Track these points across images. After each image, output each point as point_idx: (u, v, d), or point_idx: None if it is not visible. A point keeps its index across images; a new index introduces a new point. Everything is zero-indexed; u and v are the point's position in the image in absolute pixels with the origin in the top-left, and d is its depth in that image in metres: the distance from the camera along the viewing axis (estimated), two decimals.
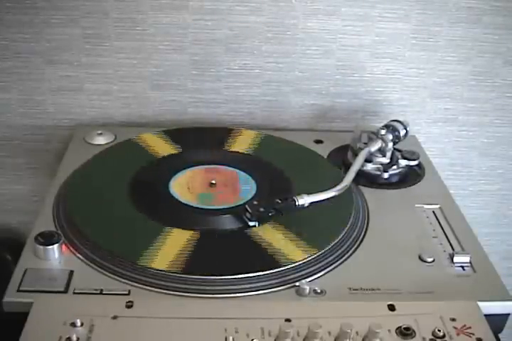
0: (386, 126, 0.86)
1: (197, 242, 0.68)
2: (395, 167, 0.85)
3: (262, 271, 0.65)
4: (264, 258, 0.67)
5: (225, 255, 0.68)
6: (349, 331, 0.56)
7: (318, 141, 0.94)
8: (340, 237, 0.71)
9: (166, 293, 0.63)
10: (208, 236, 0.70)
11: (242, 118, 1.01)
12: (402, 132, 0.86)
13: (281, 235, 0.71)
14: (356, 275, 0.67)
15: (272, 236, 0.70)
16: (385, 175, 0.84)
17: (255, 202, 0.73)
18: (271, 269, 0.65)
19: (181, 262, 0.65)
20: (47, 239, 0.66)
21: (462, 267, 0.69)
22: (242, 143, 0.88)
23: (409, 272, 0.68)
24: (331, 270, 0.67)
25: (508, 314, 0.66)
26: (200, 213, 0.73)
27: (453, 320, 0.60)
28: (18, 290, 0.61)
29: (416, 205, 0.80)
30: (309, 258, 0.67)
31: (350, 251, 0.70)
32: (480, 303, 0.63)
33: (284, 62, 0.96)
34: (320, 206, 0.74)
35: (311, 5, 0.92)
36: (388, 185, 0.84)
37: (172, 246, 0.67)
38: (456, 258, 0.70)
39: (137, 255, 0.65)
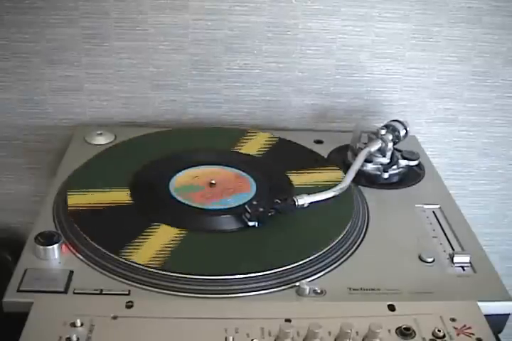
0: (386, 126, 0.86)
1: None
2: (395, 167, 0.85)
3: (262, 271, 0.65)
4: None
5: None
6: (349, 331, 0.56)
7: (318, 141, 0.94)
8: (340, 237, 0.71)
9: (166, 293, 0.63)
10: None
11: (242, 118, 1.01)
12: (402, 132, 0.86)
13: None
14: (356, 275, 0.67)
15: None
16: (385, 175, 0.84)
17: (255, 202, 0.72)
18: (271, 269, 0.65)
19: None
20: (47, 239, 0.66)
21: (462, 267, 0.69)
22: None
23: (409, 272, 0.68)
24: (331, 270, 0.67)
25: (508, 314, 0.66)
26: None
27: (453, 320, 0.60)
28: (18, 290, 0.61)
29: (416, 205, 0.80)
30: (309, 258, 0.67)
31: (350, 251, 0.70)
32: (480, 303, 0.63)
33: (284, 62, 0.96)
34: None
35: (311, 5, 0.92)
36: (388, 185, 0.84)
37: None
38: (456, 258, 0.70)
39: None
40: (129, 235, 0.69)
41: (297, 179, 0.81)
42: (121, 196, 0.75)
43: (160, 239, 0.69)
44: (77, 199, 0.74)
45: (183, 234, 0.69)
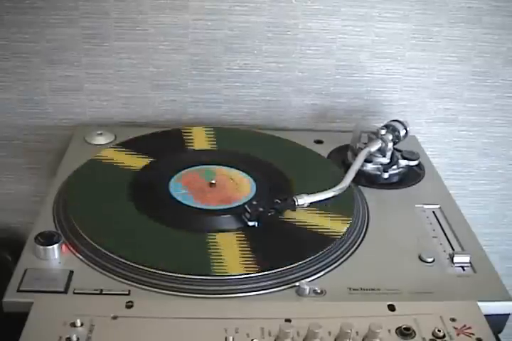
0: (386, 126, 0.86)
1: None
2: (395, 167, 0.85)
3: (262, 271, 0.65)
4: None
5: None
6: (349, 331, 0.56)
7: (318, 141, 0.94)
8: (340, 237, 0.71)
9: (166, 293, 0.63)
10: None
11: (242, 118, 1.01)
12: (402, 132, 0.86)
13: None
14: (356, 275, 0.67)
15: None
16: (385, 175, 0.84)
17: (254, 202, 0.73)
18: (271, 269, 0.65)
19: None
20: (47, 239, 0.66)
21: (462, 267, 0.69)
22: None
23: (409, 272, 0.68)
24: (331, 270, 0.67)
25: (508, 314, 0.66)
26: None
27: (453, 320, 0.60)
28: (18, 290, 0.61)
29: (416, 205, 0.80)
30: (309, 258, 0.67)
31: (350, 251, 0.70)
32: (480, 303, 0.63)
33: (284, 62, 0.96)
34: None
35: (311, 5, 0.92)
36: (388, 185, 0.84)
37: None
38: (456, 258, 0.70)
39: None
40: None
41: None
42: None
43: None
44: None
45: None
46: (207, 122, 1.00)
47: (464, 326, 0.59)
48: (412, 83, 0.99)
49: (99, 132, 0.91)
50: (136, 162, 0.82)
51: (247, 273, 0.64)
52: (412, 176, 0.86)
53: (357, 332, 0.57)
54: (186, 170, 0.81)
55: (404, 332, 0.58)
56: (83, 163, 0.82)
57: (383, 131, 0.85)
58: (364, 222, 0.76)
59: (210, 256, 0.67)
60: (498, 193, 1.10)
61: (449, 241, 0.74)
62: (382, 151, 0.85)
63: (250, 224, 0.71)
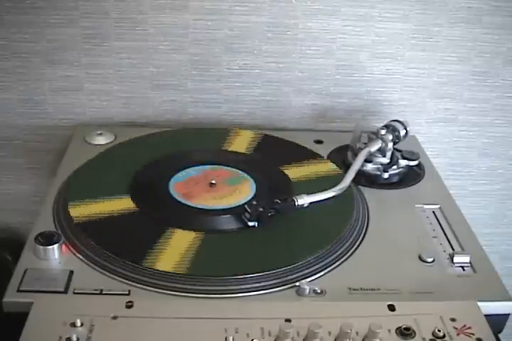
0: (386, 126, 0.86)
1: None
2: (395, 167, 0.85)
3: (262, 271, 0.65)
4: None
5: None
6: (349, 331, 0.56)
7: (318, 141, 0.94)
8: (340, 237, 0.71)
9: (166, 293, 0.63)
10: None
11: (242, 118, 1.01)
12: (402, 132, 0.86)
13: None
14: (356, 275, 0.67)
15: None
16: (385, 175, 0.84)
17: (254, 202, 0.72)
18: (271, 269, 0.65)
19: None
20: (47, 239, 0.66)
21: (462, 267, 0.69)
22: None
23: (409, 272, 0.68)
24: (331, 270, 0.67)
25: (508, 314, 0.66)
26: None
27: (453, 320, 0.60)
28: (18, 290, 0.61)
29: (416, 205, 0.80)
30: (309, 258, 0.67)
31: (350, 251, 0.70)
32: (480, 303, 0.63)
33: (284, 62, 0.96)
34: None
35: (311, 5, 0.92)
36: (388, 185, 0.84)
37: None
38: (456, 258, 0.70)
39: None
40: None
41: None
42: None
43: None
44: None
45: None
46: (207, 122, 1.00)
47: (464, 326, 0.59)
48: (412, 83, 0.99)
49: (99, 132, 0.91)
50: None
51: (247, 273, 0.64)
52: (412, 176, 0.86)
53: (357, 332, 0.57)
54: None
55: (404, 332, 0.58)
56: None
57: (383, 131, 0.85)
58: (364, 222, 0.76)
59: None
60: (498, 193, 1.10)
61: (449, 241, 0.74)
62: (382, 151, 0.85)
63: (250, 224, 0.71)
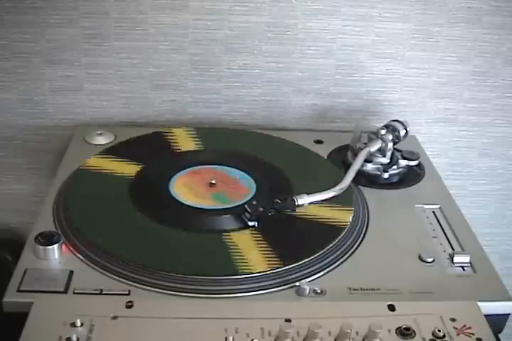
0: (386, 126, 0.86)
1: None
2: (395, 167, 0.85)
3: (262, 271, 0.65)
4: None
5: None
6: (349, 331, 0.56)
7: (318, 141, 0.94)
8: (340, 237, 0.71)
9: (166, 293, 0.63)
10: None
11: (242, 118, 1.01)
12: (402, 132, 0.86)
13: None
14: (356, 275, 0.67)
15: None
16: (385, 175, 0.84)
17: (255, 202, 0.72)
18: (271, 269, 0.65)
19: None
20: (47, 239, 0.66)
21: (462, 267, 0.69)
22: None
23: (409, 272, 0.68)
24: (331, 270, 0.67)
25: (508, 314, 0.66)
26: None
27: (453, 320, 0.60)
28: (18, 290, 0.61)
29: (416, 205, 0.80)
30: (309, 258, 0.67)
31: (350, 251, 0.70)
32: (480, 303, 0.63)
33: (284, 62, 0.96)
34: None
35: (311, 5, 0.92)
36: (388, 185, 0.84)
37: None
38: (456, 258, 0.70)
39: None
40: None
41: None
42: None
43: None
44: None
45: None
46: (207, 122, 1.00)
47: (464, 326, 0.59)
48: (412, 83, 0.99)
49: (99, 132, 0.91)
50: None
51: (247, 273, 0.64)
52: (412, 176, 0.86)
53: (357, 332, 0.57)
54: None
55: (404, 332, 0.58)
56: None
57: (383, 131, 0.85)
58: (364, 222, 0.76)
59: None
60: (498, 193, 1.10)
61: (449, 241, 0.74)
62: (382, 151, 0.85)
63: (250, 224, 0.71)
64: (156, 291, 0.63)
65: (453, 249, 0.72)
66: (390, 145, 0.84)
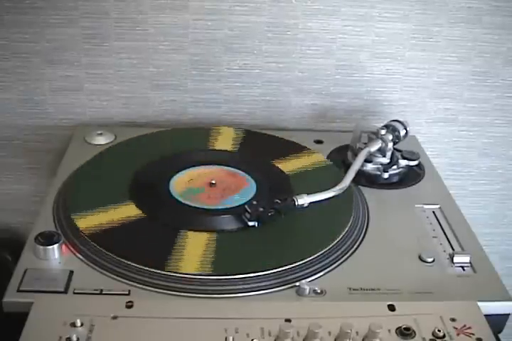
0: (386, 126, 0.86)
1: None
2: (395, 167, 0.85)
3: (262, 271, 0.65)
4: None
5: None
6: (349, 331, 0.56)
7: (318, 141, 0.94)
8: (340, 237, 0.71)
9: (166, 293, 0.63)
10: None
11: (242, 118, 1.01)
12: (402, 132, 0.86)
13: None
14: (356, 275, 0.67)
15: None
16: (385, 175, 0.84)
17: (255, 202, 0.72)
18: (271, 269, 0.65)
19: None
20: (47, 239, 0.66)
21: (462, 267, 0.69)
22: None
23: (409, 272, 0.68)
24: (331, 270, 0.67)
25: (508, 314, 0.66)
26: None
27: (453, 320, 0.60)
28: (18, 290, 0.61)
29: (416, 205, 0.80)
30: (309, 258, 0.67)
31: (350, 251, 0.70)
32: (480, 303, 0.63)
33: (284, 62, 0.96)
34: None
35: (311, 5, 0.92)
36: (388, 185, 0.84)
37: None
38: (456, 259, 0.70)
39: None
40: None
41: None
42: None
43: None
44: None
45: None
46: (207, 122, 1.00)
47: (464, 326, 0.59)
48: (412, 83, 0.99)
49: (99, 132, 0.91)
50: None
51: (248, 273, 0.64)
52: (412, 176, 0.86)
53: (357, 332, 0.57)
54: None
55: (404, 332, 0.58)
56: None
57: (383, 131, 0.85)
58: (364, 222, 0.76)
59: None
60: (498, 193, 1.10)
61: (449, 241, 0.74)
62: (382, 151, 0.85)
63: (250, 224, 0.71)
64: (156, 291, 0.63)
65: (453, 249, 0.72)
66: (390, 145, 0.84)
